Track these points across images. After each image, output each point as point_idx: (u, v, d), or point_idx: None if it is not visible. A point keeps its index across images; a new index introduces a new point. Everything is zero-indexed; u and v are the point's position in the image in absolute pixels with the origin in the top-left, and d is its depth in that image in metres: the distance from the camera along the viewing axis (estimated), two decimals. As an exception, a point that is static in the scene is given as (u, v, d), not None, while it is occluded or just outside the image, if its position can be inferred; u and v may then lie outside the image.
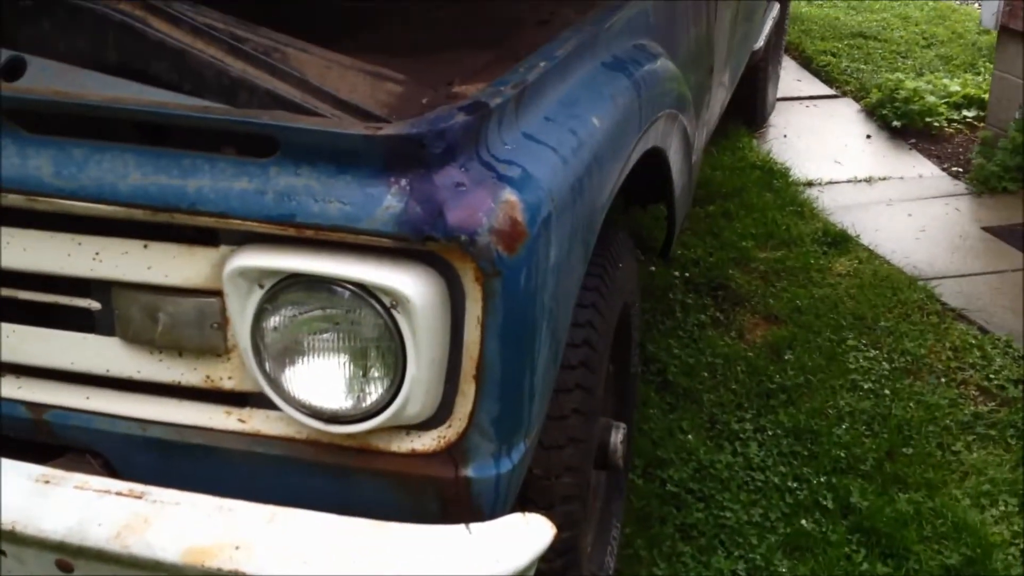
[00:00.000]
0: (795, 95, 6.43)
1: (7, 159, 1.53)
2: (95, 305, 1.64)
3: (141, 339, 1.62)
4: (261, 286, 1.52)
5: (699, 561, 2.66)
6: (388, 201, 1.43)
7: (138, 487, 1.61)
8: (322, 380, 1.55)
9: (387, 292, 1.46)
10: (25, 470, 1.64)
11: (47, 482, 1.62)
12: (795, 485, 2.96)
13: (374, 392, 1.53)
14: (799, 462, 3.06)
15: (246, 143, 1.49)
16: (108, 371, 1.67)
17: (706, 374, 3.45)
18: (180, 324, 1.60)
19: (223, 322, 1.58)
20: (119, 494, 1.60)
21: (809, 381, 3.42)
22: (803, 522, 2.81)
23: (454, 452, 1.56)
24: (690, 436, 3.15)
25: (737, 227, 4.43)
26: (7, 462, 1.66)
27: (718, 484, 2.97)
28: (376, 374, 1.54)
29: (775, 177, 5.00)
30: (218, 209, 1.47)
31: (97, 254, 1.58)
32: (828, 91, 6.54)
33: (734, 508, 2.87)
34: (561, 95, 1.78)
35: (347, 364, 1.54)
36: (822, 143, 5.68)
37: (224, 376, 1.63)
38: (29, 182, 1.52)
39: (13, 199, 1.54)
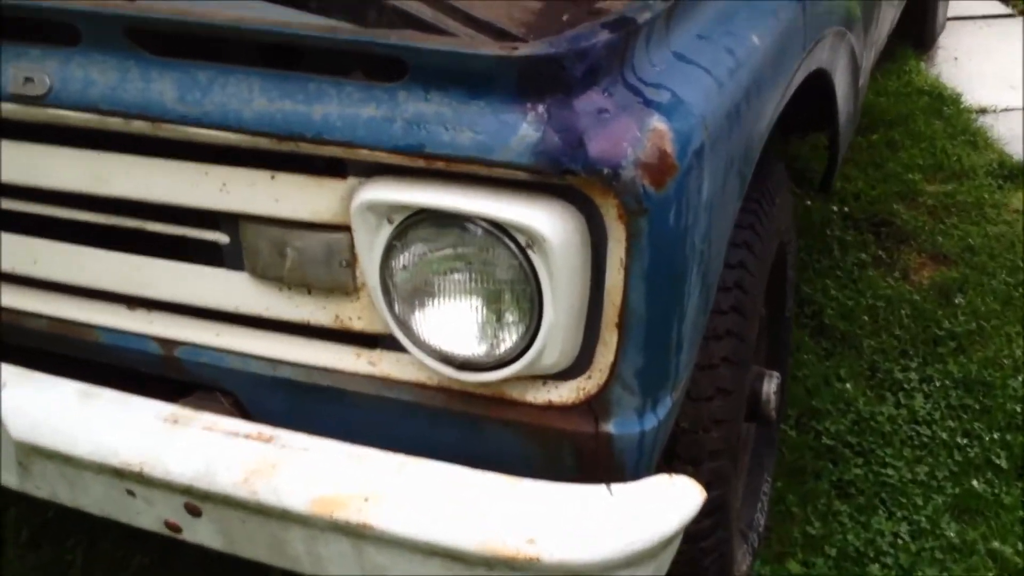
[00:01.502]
0: (967, 14, 5.97)
1: (131, 83, 1.46)
2: (223, 239, 1.57)
3: (269, 275, 1.55)
4: (390, 221, 1.42)
5: (857, 521, 2.49)
6: (524, 130, 1.30)
7: (267, 430, 1.56)
8: (454, 324, 1.45)
9: (522, 230, 1.34)
10: (154, 409, 1.60)
11: (176, 422, 1.57)
12: (965, 442, 2.74)
13: (508, 338, 1.42)
14: (969, 416, 2.83)
15: (374, 66, 1.39)
16: (237, 308, 1.61)
17: (866, 318, 3.23)
18: (308, 260, 1.51)
19: (352, 259, 1.49)
20: (248, 437, 1.55)
21: (982, 328, 3.17)
22: (973, 482, 2.59)
23: (594, 405, 1.43)
24: (848, 385, 2.96)
25: (903, 158, 4.13)
26: (137, 399, 1.63)
27: (879, 438, 2.77)
28: (511, 319, 1.43)
29: (945, 103, 4.65)
30: (344, 138, 1.37)
31: (224, 185, 1.51)
32: (1003, 10, 6.05)
33: (897, 465, 2.67)
34: (717, 9, 1.61)
35: (480, 308, 1.43)
36: (997, 66, 5.25)
37: (354, 316, 1.54)
38: (153, 108, 1.45)
39: (138, 126, 1.47)
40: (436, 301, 1.45)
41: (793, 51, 1.76)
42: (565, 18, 1.51)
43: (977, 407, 2.86)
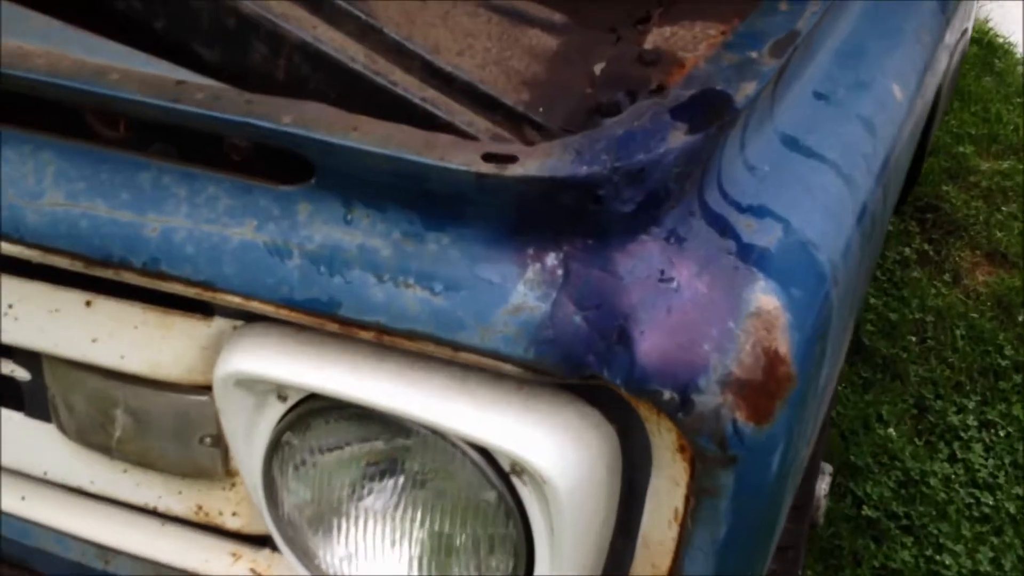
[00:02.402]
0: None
1: None
2: (21, 373, 0.97)
3: (92, 442, 0.96)
4: (282, 398, 0.83)
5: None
6: (519, 297, 0.71)
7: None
8: (379, 564, 0.87)
9: (503, 454, 0.76)
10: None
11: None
12: (1038, 519, 2.22)
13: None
14: (1043, 481, 2.31)
15: (268, 159, 0.78)
16: (46, 474, 1.02)
17: (912, 337, 2.68)
18: (149, 431, 0.92)
19: (221, 437, 0.90)
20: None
21: (1052, 357, 2.63)
22: (1052, 581, 2.08)
23: None
24: (892, 431, 2.42)
25: (952, 124, 3.52)
26: None
27: (931, 508, 2.25)
28: (484, 569, 0.85)
29: (995, 54, 4.01)
30: (199, 276, 0.77)
31: (10, 308, 0.90)
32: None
33: (954, 549, 2.15)
34: (836, 43, 0.99)
35: (428, 554, 0.86)
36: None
37: (225, 511, 0.97)
38: None
39: None
40: (352, 531, 0.87)
41: (934, 81, 1.14)
42: (600, 70, 0.88)
43: (1052, 470, 2.33)
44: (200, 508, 0.97)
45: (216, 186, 0.77)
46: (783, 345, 0.71)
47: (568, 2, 0.92)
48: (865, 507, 2.22)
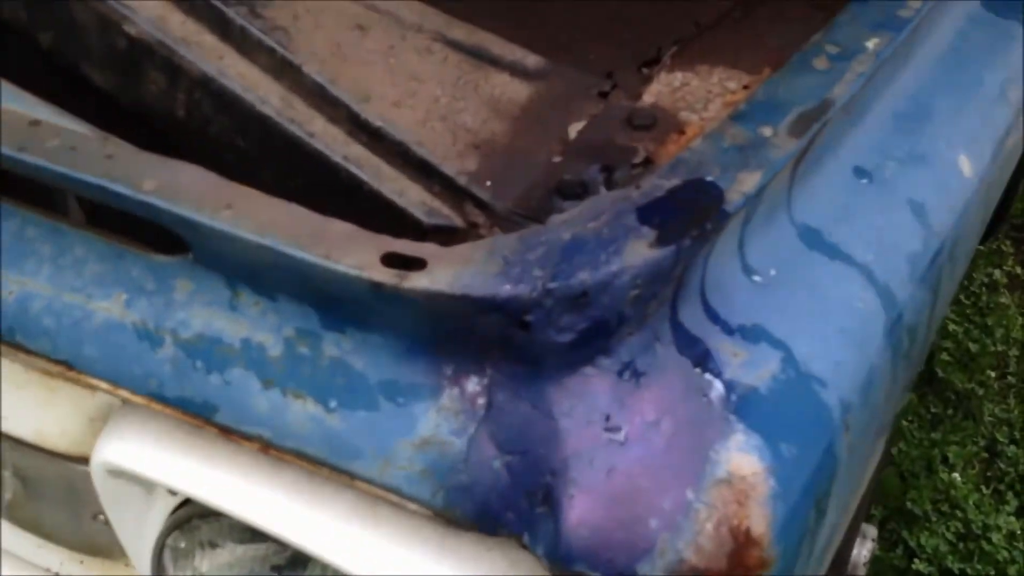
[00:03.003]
0: None
1: None
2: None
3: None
4: (172, 491, 0.70)
5: None
6: (427, 425, 0.56)
7: None
8: None
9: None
10: None
11: None
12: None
13: None
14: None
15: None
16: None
17: (992, 372, 2.45)
18: (40, 499, 0.80)
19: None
20: None
21: None
22: None
23: None
24: (957, 475, 2.21)
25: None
26: None
27: (990, 567, 2.05)
28: None
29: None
30: (56, 352, 0.63)
31: None
32: None
33: (1015, 620, 1.95)
34: (893, 103, 0.80)
35: None
36: None
37: (130, 590, 0.84)
38: None
39: None
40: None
41: (1018, 151, 0.94)
42: (578, 132, 0.70)
43: None
44: (103, 583, 0.85)
45: (85, 247, 0.63)
46: (758, 523, 0.55)
47: (556, 38, 0.74)
48: (917, 560, 2.03)
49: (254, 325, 0.59)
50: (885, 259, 0.68)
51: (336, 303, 0.57)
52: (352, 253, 0.52)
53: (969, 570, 2.04)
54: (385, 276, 0.51)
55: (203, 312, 0.60)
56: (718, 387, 0.57)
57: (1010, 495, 2.20)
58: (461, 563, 0.61)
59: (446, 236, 0.61)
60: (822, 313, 0.63)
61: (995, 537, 2.10)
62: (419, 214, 0.62)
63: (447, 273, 0.51)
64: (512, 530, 0.56)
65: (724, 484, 0.54)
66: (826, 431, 0.60)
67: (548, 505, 0.54)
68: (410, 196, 0.63)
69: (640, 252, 0.52)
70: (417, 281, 0.51)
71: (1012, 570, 2.05)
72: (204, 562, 0.71)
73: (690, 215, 0.54)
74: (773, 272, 0.63)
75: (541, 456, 0.54)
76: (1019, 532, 2.13)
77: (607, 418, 0.54)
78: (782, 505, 0.56)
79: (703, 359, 0.57)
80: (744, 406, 0.57)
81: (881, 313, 0.66)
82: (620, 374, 0.55)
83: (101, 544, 0.80)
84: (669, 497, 0.53)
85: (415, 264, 0.52)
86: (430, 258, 0.52)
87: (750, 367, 0.58)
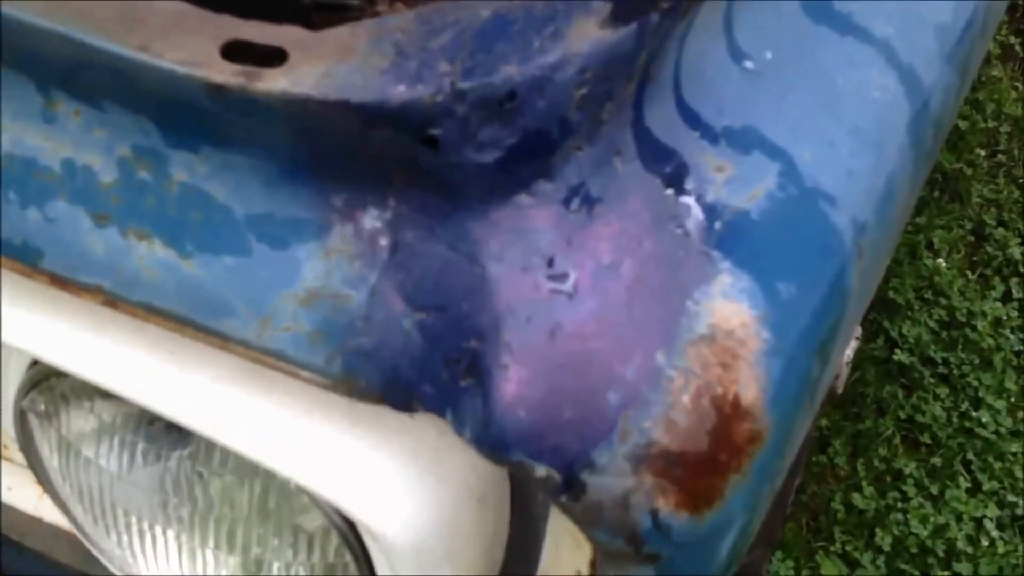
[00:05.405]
0: None
1: None
2: None
3: None
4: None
5: None
6: (313, 274, 0.42)
7: None
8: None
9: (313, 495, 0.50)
10: None
11: None
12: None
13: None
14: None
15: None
16: None
17: (981, 151, 2.34)
18: None
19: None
20: None
21: None
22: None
23: None
24: (941, 262, 2.15)
25: None
26: None
27: (975, 355, 2.00)
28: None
29: None
30: None
31: None
32: None
33: (994, 405, 1.92)
34: None
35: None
36: None
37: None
38: None
39: None
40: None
41: None
42: None
43: None
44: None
45: None
46: (748, 389, 0.42)
47: None
48: (898, 351, 1.96)
49: (77, 142, 0.44)
50: (909, 33, 0.53)
51: (182, 112, 0.42)
52: (181, 44, 0.36)
53: (952, 359, 1.98)
54: (227, 75, 0.36)
55: (12, 126, 0.45)
56: (697, 213, 0.43)
57: (996, 280, 2.12)
58: (376, 443, 0.49)
59: (335, 18, 0.45)
60: (831, 107, 0.48)
61: (980, 324, 2.03)
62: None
63: (314, 69, 0.36)
64: (430, 406, 0.43)
65: (705, 342, 0.41)
66: (835, 261, 0.46)
67: (474, 376, 0.41)
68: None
69: (589, 33, 0.37)
70: (273, 82, 0.36)
71: (997, 358, 1.98)
72: (70, 422, 0.59)
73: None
74: (769, 55, 0.47)
75: (464, 313, 0.41)
76: (1005, 319, 2.06)
77: (550, 262, 0.41)
78: (778, 363, 0.43)
79: (677, 177, 0.43)
80: (731, 237, 0.43)
81: (904, 103, 0.51)
82: (566, 203, 0.41)
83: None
84: (633, 363, 0.40)
85: (271, 57, 0.36)
86: (292, 48, 0.36)
87: (739, 184, 0.44)
